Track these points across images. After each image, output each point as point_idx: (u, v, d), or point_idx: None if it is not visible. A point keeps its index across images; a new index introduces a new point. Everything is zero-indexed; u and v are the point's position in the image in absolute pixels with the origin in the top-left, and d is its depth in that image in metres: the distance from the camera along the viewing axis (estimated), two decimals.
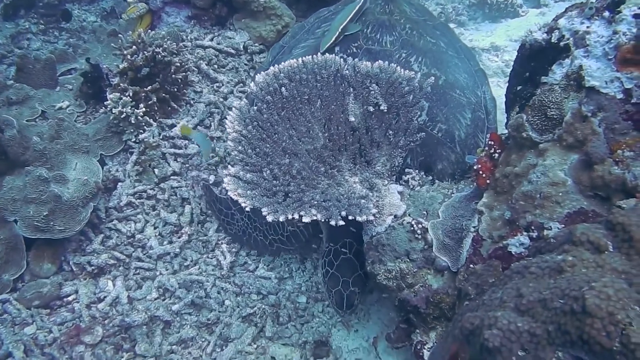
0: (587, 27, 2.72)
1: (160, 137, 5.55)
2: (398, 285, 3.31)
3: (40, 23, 8.07)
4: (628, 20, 2.57)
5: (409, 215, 3.41)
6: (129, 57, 5.42)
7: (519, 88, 3.11)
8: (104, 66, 6.01)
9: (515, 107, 3.09)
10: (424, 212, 3.39)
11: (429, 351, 3.17)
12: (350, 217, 3.17)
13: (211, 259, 5.01)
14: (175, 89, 5.72)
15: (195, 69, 6.12)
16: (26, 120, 5.50)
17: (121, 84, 5.46)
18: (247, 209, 3.21)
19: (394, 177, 3.74)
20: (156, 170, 5.37)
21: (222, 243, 5.08)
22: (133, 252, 5.04)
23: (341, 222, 3.13)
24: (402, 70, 3.58)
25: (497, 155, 3.14)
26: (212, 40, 6.45)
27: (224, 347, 4.50)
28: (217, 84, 6.06)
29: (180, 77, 5.70)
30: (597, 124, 2.56)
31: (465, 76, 4.34)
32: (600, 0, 2.76)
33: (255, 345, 4.49)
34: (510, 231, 2.81)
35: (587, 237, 2.15)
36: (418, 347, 3.24)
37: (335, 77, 3.60)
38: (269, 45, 6.03)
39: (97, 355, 4.38)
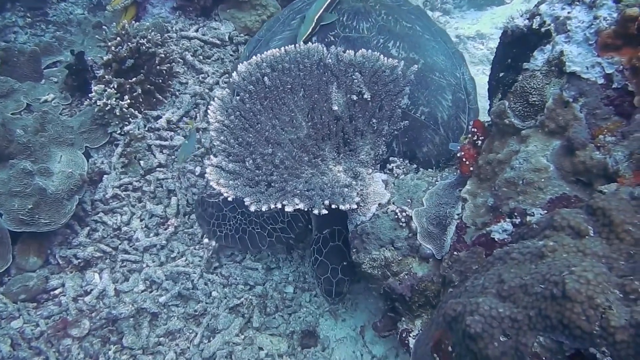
0: (568, 12, 2.72)
1: (146, 128, 5.52)
2: (383, 273, 3.31)
3: (26, 16, 8.01)
4: (609, 5, 2.57)
5: (394, 203, 3.40)
6: (113, 48, 5.39)
7: (501, 75, 3.10)
8: (89, 58, 5.97)
9: (498, 94, 3.09)
10: (409, 200, 3.39)
11: (414, 339, 3.17)
12: (333, 206, 3.16)
13: (198, 250, 4.98)
14: (160, 81, 5.69)
15: (181, 60, 6.09)
16: (11, 114, 5.45)
17: (106, 76, 5.43)
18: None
19: (379, 165, 3.73)
20: (142, 162, 5.34)
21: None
22: (119, 244, 5.01)
23: (324, 211, 3.12)
24: (386, 58, 3.57)
25: (480, 142, 3.14)
26: (197, 31, 6.42)
27: (211, 339, 4.49)
28: (203, 75, 6.04)
29: (165, 68, 5.67)
30: (579, 110, 2.56)
31: (443, 58, 4.36)
32: None
33: (242, 336, 4.48)
34: (494, 218, 2.81)
35: (567, 222, 2.15)
36: (403, 335, 3.24)
37: (318, 66, 3.58)
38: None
39: (84, 348, 4.36)
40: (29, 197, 4.57)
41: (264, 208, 3.08)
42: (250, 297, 4.65)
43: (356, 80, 3.52)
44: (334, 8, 4.35)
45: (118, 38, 5.43)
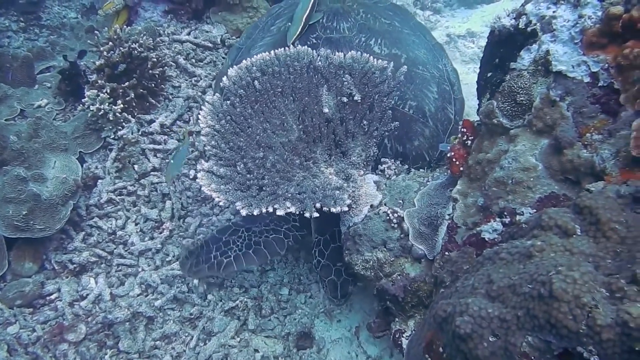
0: (554, 11, 2.73)
1: (140, 133, 5.53)
2: (376, 274, 3.33)
3: (20, 21, 8.03)
4: (593, 3, 2.58)
5: (385, 204, 3.42)
6: (105, 53, 5.40)
7: (489, 74, 3.11)
8: (82, 63, 5.99)
9: (486, 94, 3.10)
10: (400, 201, 3.40)
11: (407, 339, 3.19)
12: (324, 209, 3.18)
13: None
14: (153, 85, 5.70)
15: (173, 64, 6.11)
16: (5, 120, 5.48)
17: (98, 81, 5.45)
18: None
19: (370, 166, 3.75)
20: (136, 167, 5.36)
21: None
22: (114, 249, 5.03)
23: (315, 214, 3.13)
24: (375, 60, 3.58)
25: (470, 142, 3.16)
26: (189, 34, 6.44)
27: (207, 341, 4.49)
28: (195, 78, 6.06)
29: (158, 72, 5.69)
30: (566, 108, 2.57)
31: (424, 52, 4.39)
32: None
33: (238, 339, 4.49)
34: (484, 217, 2.82)
35: (555, 222, 2.17)
36: (397, 336, 3.25)
37: (308, 68, 3.59)
38: None
39: (80, 352, 4.37)
40: (23, 203, 4.58)
41: (255, 212, 3.09)
42: (245, 299, 4.66)
43: (346, 82, 3.54)
44: (317, 7, 4.37)
45: (110, 43, 5.45)
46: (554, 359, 1.84)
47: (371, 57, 3.58)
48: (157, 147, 5.49)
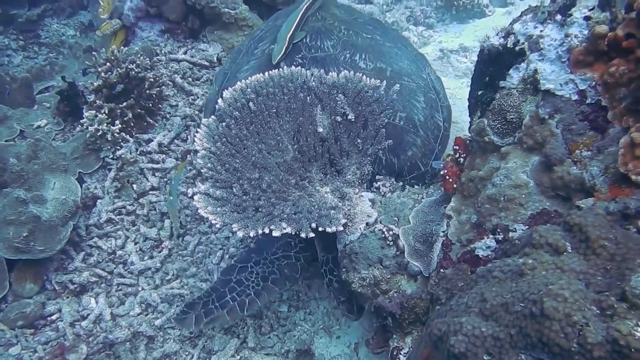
0: (541, 31, 2.77)
1: (138, 152, 5.57)
2: (373, 292, 3.35)
3: (19, 39, 8.12)
4: (579, 22, 2.62)
5: (381, 222, 3.44)
6: (103, 74, 5.45)
7: (479, 92, 3.15)
8: (80, 83, 6.04)
9: (477, 112, 3.13)
10: (395, 219, 3.43)
11: (405, 356, 3.21)
12: (320, 229, 3.21)
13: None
14: (151, 104, 5.76)
15: (170, 83, 6.16)
16: (5, 140, 5.52)
17: (97, 101, 5.50)
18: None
19: (365, 184, 3.78)
20: (135, 186, 5.39)
21: None
22: (114, 268, 5.07)
23: (311, 234, 3.16)
24: (368, 79, 3.62)
25: (462, 159, 3.19)
26: (185, 53, 6.49)
27: None
28: (193, 97, 6.10)
29: (155, 92, 5.74)
30: (555, 126, 2.60)
31: (407, 62, 4.41)
32: (552, 4, 2.80)
33: (238, 357, 4.50)
34: (477, 234, 2.86)
35: (545, 240, 2.20)
36: (395, 353, 3.28)
37: (302, 89, 3.63)
38: None
39: None
40: (23, 225, 4.62)
41: (251, 234, 3.12)
42: (244, 317, 4.68)
43: (340, 102, 3.57)
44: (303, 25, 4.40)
45: (108, 64, 5.50)
46: None
47: (364, 76, 3.62)
48: (155, 166, 5.53)
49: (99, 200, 5.35)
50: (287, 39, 4.16)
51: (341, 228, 3.25)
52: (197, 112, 5.89)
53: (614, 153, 2.33)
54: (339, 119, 3.60)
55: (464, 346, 2.05)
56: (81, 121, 5.43)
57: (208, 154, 3.42)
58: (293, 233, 3.18)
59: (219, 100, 3.58)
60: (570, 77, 2.60)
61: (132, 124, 5.62)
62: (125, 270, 5.05)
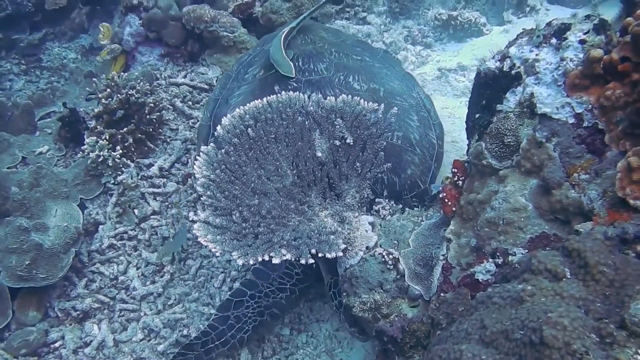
0: (536, 54, 2.78)
1: (139, 177, 5.59)
2: (374, 316, 3.35)
3: (21, 63, 8.16)
4: (574, 46, 2.64)
5: (381, 246, 3.44)
6: (103, 100, 5.48)
7: (477, 116, 3.15)
8: (81, 109, 6.06)
9: (475, 135, 3.13)
10: (395, 242, 3.43)
11: None
12: (319, 255, 3.21)
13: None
14: (151, 129, 5.78)
15: (170, 107, 6.18)
16: (7, 167, 5.55)
17: (98, 127, 5.52)
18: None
19: (365, 207, 3.78)
20: (136, 211, 5.40)
21: None
22: (117, 294, 5.06)
23: (311, 260, 3.16)
24: (366, 102, 3.63)
25: (460, 182, 3.20)
26: (185, 77, 6.53)
27: None
28: (193, 120, 6.12)
29: (155, 117, 5.76)
30: (552, 149, 2.60)
31: (397, 82, 4.45)
32: (547, 27, 2.82)
33: None
34: (477, 258, 2.85)
35: (544, 266, 2.19)
36: None
37: (301, 114, 3.64)
38: None
39: None
40: (26, 253, 4.64)
41: (251, 261, 3.12)
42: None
43: (338, 126, 3.58)
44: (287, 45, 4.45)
45: (108, 89, 5.53)
46: None
47: (362, 99, 3.63)
48: (156, 190, 5.54)
49: (100, 226, 5.36)
50: (283, 52, 4.20)
51: (340, 254, 3.26)
52: (197, 136, 5.90)
53: (612, 176, 2.33)
54: (337, 142, 3.61)
55: None
56: (82, 147, 5.45)
57: (207, 182, 3.43)
58: (293, 259, 3.18)
59: (218, 128, 3.59)
60: (567, 100, 2.60)
61: (132, 149, 5.65)
62: (128, 295, 5.05)
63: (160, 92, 6.24)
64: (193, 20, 6.44)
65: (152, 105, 5.71)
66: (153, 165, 5.69)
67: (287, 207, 3.44)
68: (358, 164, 3.63)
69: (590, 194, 2.42)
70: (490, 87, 3.07)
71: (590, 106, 2.53)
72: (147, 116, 5.70)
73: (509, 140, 2.81)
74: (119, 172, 5.51)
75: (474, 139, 3.16)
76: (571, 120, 2.58)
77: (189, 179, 5.55)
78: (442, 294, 2.99)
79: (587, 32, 2.64)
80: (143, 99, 5.62)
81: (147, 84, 5.85)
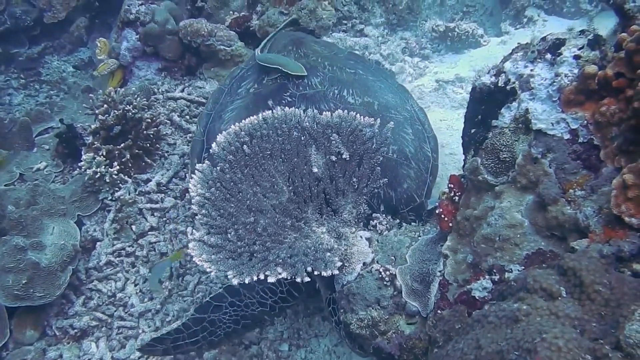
0: (531, 70, 2.77)
1: (136, 192, 5.58)
2: (371, 333, 3.32)
3: (20, 77, 8.20)
4: (569, 61, 2.63)
5: (378, 262, 3.43)
6: (100, 116, 5.47)
7: (472, 131, 3.15)
8: (78, 125, 6.06)
9: (471, 150, 3.13)
10: (392, 258, 3.41)
11: None
12: (315, 273, 3.19)
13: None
14: (148, 144, 5.77)
15: (168, 121, 6.18)
16: (5, 185, 5.54)
17: (95, 143, 5.51)
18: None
19: (362, 223, 3.76)
20: (134, 227, 5.39)
21: None
22: (115, 311, 5.04)
23: (307, 279, 3.14)
24: (362, 117, 3.62)
25: (457, 197, 3.18)
26: (182, 91, 6.54)
27: None
28: (190, 135, 6.11)
29: (152, 132, 5.75)
30: (548, 165, 2.59)
31: (391, 95, 4.45)
32: (542, 43, 2.81)
33: None
34: (474, 275, 2.84)
35: (540, 285, 2.18)
36: None
37: (296, 129, 3.63)
38: None
39: None
40: (22, 272, 4.62)
41: (246, 280, 3.10)
42: (245, 357, 4.64)
43: (334, 141, 3.57)
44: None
45: (105, 105, 5.52)
46: None
47: (358, 114, 3.62)
48: (154, 206, 5.53)
49: (98, 243, 5.35)
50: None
51: (337, 272, 3.23)
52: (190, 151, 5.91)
53: (608, 193, 2.32)
54: (333, 158, 3.60)
55: None
56: (79, 164, 5.45)
57: (202, 200, 3.41)
58: (289, 278, 3.16)
59: (213, 145, 3.57)
60: (562, 116, 2.59)
61: (130, 165, 5.64)
62: (126, 312, 5.04)
63: (157, 106, 6.25)
64: (190, 34, 6.46)
65: (149, 120, 5.71)
66: (151, 180, 5.68)
67: (283, 224, 3.41)
68: (354, 179, 3.62)
69: (586, 210, 2.40)
70: (485, 103, 3.07)
71: (585, 122, 2.52)
72: (145, 131, 5.69)
73: (505, 156, 2.80)
74: (117, 188, 5.51)
75: (470, 154, 3.15)
76: (566, 136, 2.58)
77: (187, 194, 5.54)
78: (439, 311, 2.97)
79: (582, 47, 2.64)
80: (140, 114, 5.62)
81: (145, 98, 5.86)
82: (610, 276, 2.07)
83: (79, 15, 8.52)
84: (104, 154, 5.44)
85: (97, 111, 5.52)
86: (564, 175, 2.55)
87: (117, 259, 5.30)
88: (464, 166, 3.24)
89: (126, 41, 6.73)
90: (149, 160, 5.81)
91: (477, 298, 2.72)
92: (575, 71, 2.59)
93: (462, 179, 3.21)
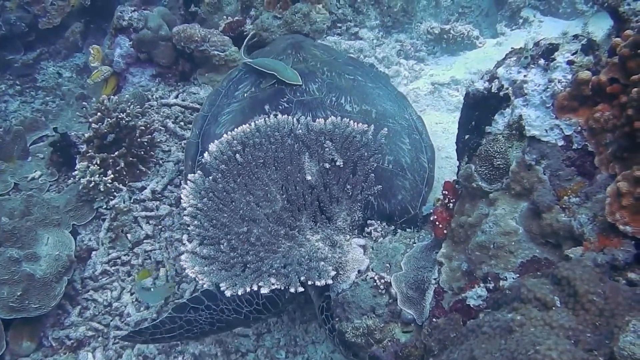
0: (524, 76, 2.75)
1: (131, 201, 5.55)
2: (367, 341, 3.30)
3: (16, 84, 8.18)
4: (562, 67, 2.61)
5: (372, 269, 3.40)
6: (94, 125, 5.44)
7: (466, 137, 3.12)
8: (72, 133, 6.04)
9: (465, 157, 3.10)
10: (387, 265, 3.39)
11: None
12: (309, 282, 3.16)
13: None
14: (143, 152, 5.74)
15: (162, 128, 6.15)
16: None
17: (89, 152, 5.49)
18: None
19: (356, 230, 3.73)
20: (129, 235, 5.36)
21: None
22: (111, 321, 5.01)
23: (300, 289, 3.11)
24: (356, 124, 3.60)
25: (451, 204, 3.16)
26: (177, 97, 6.51)
27: None
28: (185, 141, 6.08)
29: (147, 139, 5.72)
30: (542, 172, 2.57)
31: (390, 103, 4.41)
32: (535, 48, 2.79)
33: None
34: (469, 282, 2.81)
35: (534, 294, 2.16)
36: None
37: (289, 137, 3.61)
38: None
39: None
40: (17, 284, 4.60)
41: (239, 292, 3.07)
42: None
43: (327, 148, 3.55)
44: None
45: (98, 113, 5.49)
46: None
47: (351, 121, 3.60)
48: (149, 214, 5.50)
49: (93, 252, 5.32)
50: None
51: (330, 281, 3.21)
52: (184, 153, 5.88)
53: (602, 200, 2.29)
54: (327, 165, 3.58)
55: None
56: (74, 173, 5.42)
57: (194, 211, 3.39)
58: (282, 288, 3.14)
59: (205, 154, 3.55)
60: (556, 122, 2.57)
61: (124, 173, 5.61)
62: (122, 322, 5.00)
63: (152, 113, 6.21)
64: (183, 40, 6.43)
65: (143, 127, 5.67)
66: (145, 188, 5.65)
67: (277, 233, 3.39)
68: (349, 186, 3.60)
69: (580, 218, 2.38)
70: (479, 109, 3.05)
71: (579, 128, 2.50)
72: (139, 139, 5.66)
73: (499, 162, 2.77)
74: (111, 197, 5.47)
75: (463, 160, 3.13)
76: (560, 143, 2.55)
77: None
78: (434, 319, 2.96)
79: (575, 52, 2.62)
80: (134, 121, 5.58)
81: (138, 105, 5.82)
82: (605, 285, 2.04)
83: (73, 21, 8.51)
84: (98, 162, 5.41)
85: (90, 119, 5.48)
86: (559, 182, 2.53)
87: (113, 268, 5.27)
88: (458, 172, 3.22)
89: (119, 48, 6.70)
90: (143, 168, 5.77)
91: (472, 306, 2.70)
92: (569, 77, 2.57)
93: (457, 186, 3.18)
